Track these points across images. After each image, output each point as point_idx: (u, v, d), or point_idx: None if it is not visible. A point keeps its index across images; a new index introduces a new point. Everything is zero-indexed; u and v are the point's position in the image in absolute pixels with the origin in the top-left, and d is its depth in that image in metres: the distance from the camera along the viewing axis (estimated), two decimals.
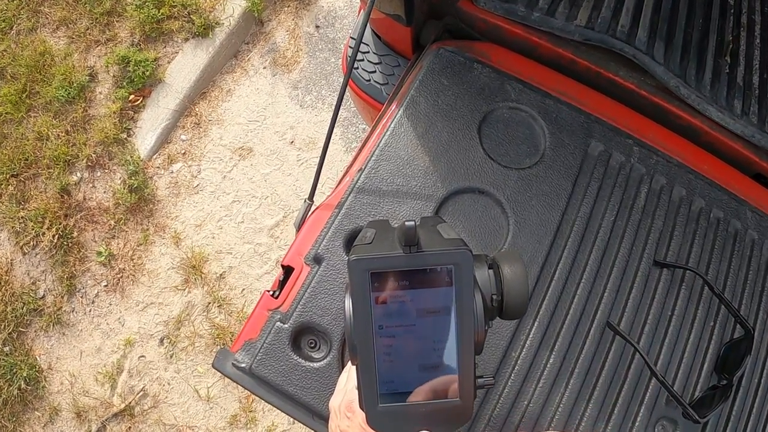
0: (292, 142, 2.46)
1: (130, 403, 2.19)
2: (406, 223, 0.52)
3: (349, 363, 0.85)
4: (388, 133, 1.04)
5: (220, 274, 2.31)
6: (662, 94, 1.16)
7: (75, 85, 2.45)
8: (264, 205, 2.39)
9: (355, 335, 0.55)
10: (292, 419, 2.12)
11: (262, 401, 2.15)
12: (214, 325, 2.25)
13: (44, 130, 2.41)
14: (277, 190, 2.40)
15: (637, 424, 0.96)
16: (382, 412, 0.57)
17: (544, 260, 0.99)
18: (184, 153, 2.45)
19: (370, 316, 0.54)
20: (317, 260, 0.96)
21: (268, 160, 2.44)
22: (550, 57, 1.18)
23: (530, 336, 0.96)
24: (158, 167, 2.43)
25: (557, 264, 1.00)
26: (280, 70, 2.54)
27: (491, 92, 1.09)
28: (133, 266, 2.32)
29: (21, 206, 2.35)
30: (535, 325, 0.96)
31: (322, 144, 1.03)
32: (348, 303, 0.56)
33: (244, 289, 2.30)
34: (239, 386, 2.15)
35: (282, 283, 0.98)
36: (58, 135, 2.41)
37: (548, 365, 0.95)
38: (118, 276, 2.31)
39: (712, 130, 1.16)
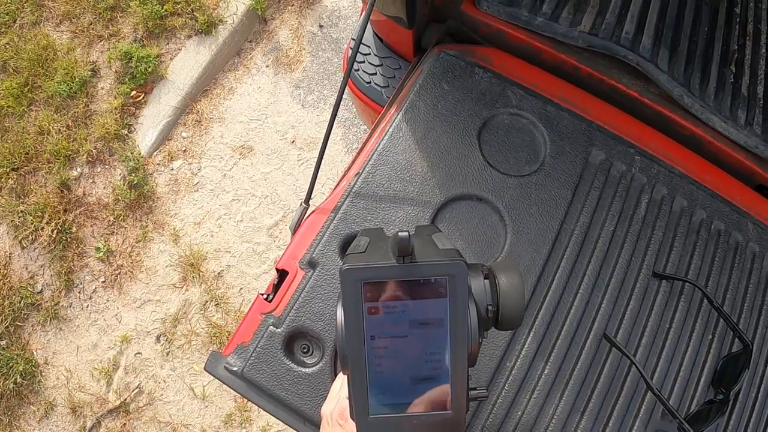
0: (293, 141, 2.45)
1: (125, 399, 2.18)
2: (400, 234, 0.51)
3: None
4: (387, 137, 1.03)
5: (218, 273, 2.30)
6: (665, 103, 1.15)
7: (77, 79, 2.44)
8: (263, 205, 2.38)
9: (346, 345, 0.54)
10: None
11: None
12: (211, 324, 2.24)
13: (45, 125, 2.40)
14: (277, 189, 2.39)
15: None
16: (373, 423, 0.56)
17: (542, 270, 0.98)
18: (184, 150, 2.44)
19: (362, 327, 0.54)
20: (312, 265, 0.95)
21: (268, 159, 2.43)
22: (552, 63, 1.17)
23: (525, 346, 0.94)
24: (158, 164, 2.42)
25: (555, 274, 0.98)
26: (283, 69, 2.53)
27: (492, 98, 1.08)
28: (132, 263, 2.31)
29: (21, 200, 2.35)
30: (531, 335, 0.95)
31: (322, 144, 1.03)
32: (340, 312, 0.55)
33: (241, 288, 2.29)
34: None
35: (276, 287, 0.97)
36: (59, 129, 2.40)
37: (543, 376, 0.94)
38: (116, 272, 2.30)
39: (715, 140, 1.15)
